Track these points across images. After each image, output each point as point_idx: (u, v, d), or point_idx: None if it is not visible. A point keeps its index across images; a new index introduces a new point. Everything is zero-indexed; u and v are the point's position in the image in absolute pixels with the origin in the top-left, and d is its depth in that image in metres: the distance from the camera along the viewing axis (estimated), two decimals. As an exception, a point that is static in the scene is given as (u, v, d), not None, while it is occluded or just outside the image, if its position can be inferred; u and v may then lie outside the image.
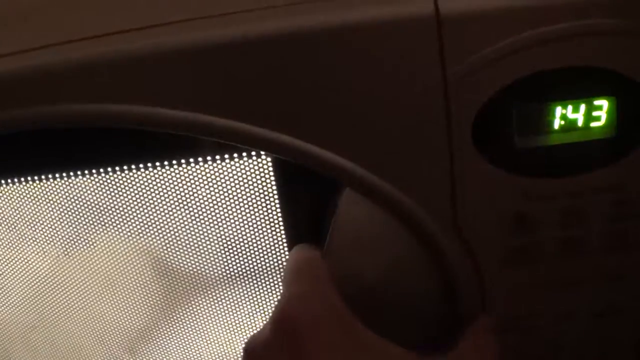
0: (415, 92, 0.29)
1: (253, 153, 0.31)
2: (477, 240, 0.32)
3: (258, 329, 0.31)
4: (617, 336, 0.36)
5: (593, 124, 0.30)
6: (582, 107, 0.30)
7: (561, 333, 0.35)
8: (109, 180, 0.34)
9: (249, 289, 0.36)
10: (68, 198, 0.36)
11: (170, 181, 0.33)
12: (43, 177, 0.35)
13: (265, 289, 0.36)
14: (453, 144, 0.30)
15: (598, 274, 0.34)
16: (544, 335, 0.35)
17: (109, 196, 0.35)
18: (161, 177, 0.33)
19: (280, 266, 0.35)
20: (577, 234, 0.32)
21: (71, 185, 0.35)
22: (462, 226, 0.31)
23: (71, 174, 0.35)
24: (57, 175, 0.35)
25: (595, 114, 0.30)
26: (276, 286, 0.36)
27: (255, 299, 0.36)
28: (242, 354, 0.29)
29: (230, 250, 0.35)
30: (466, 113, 0.30)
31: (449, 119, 0.30)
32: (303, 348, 0.28)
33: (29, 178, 0.35)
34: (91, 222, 0.37)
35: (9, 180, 0.36)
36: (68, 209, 0.37)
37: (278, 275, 0.35)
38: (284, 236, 0.33)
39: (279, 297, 0.30)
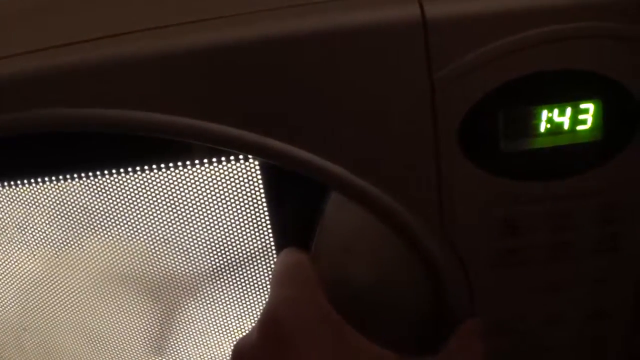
0: (401, 96, 0.29)
1: (241, 157, 0.31)
2: (465, 244, 0.32)
3: (246, 332, 0.31)
4: (606, 339, 0.36)
5: (579, 127, 0.30)
6: (568, 110, 0.30)
7: (551, 336, 0.35)
8: (98, 184, 0.35)
9: (237, 292, 0.36)
10: (59, 201, 0.36)
11: (159, 184, 0.33)
12: (33, 180, 0.35)
13: (253, 291, 0.36)
14: (440, 147, 0.30)
15: (586, 277, 0.34)
16: (533, 338, 0.35)
17: (99, 199, 0.35)
18: (150, 181, 0.33)
19: (269, 269, 0.35)
20: (565, 237, 0.33)
21: (62, 188, 0.35)
22: (450, 230, 0.32)
23: (61, 177, 0.35)
24: (47, 178, 0.35)
25: (581, 117, 0.30)
26: (265, 289, 0.36)
27: (243, 301, 0.36)
28: (230, 356, 0.29)
29: (219, 254, 0.35)
30: (452, 117, 0.30)
31: (435, 123, 0.30)
32: (292, 352, 0.28)
33: (19, 182, 0.36)
34: (82, 225, 0.37)
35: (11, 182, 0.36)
36: (59, 211, 0.37)
37: (266, 278, 0.35)
38: (272, 239, 0.33)
39: (267, 300, 0.30)
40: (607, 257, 0.33)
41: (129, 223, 0.36)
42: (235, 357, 0.29)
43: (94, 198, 0.35)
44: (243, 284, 0.36)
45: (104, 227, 0.37)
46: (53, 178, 0.35)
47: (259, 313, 0.36)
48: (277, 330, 0.28)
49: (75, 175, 0.34)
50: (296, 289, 0.30)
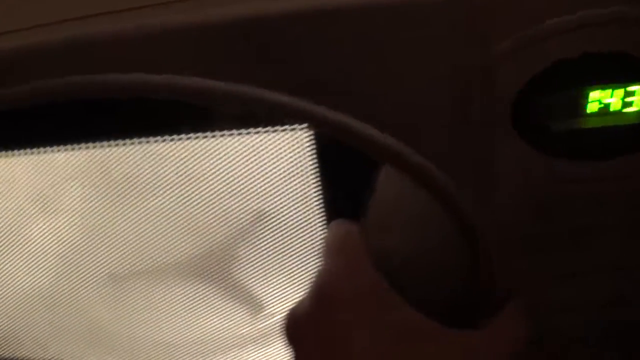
0: (455, 69, 0.29)
1: (295, 126, 0.31)
2: (507, 221, 0.32)
3: (295, 302, 0.31)
4: (630, 326, 0.36)
5: (627, 109, 0.31)
6: (617, 92, 0.31)
7: (577, 321, 0.36)
8: (139, 152, 0.34)
9: (285, 263, 0.36)
10: (102, 168, 0.36)
11: (213, 152, 0.33)
12: (80, 146, 0.35)
13: (301, 262, 0.36)
14: (492, 123, 0.30)
15: (612, 263, 0.34)
16: (559, 323, 0.36)
17: (145, 167, 0.35)
18: (205, 149, 0.33)
19: (317, 240, 0.35)
20: (601, 220, 0.33)
21: (106, 155, 0.35)
22: (496, 206, 0.32)
23: (106, 143, 0.34)
24: (90, 144, 0.35)
25: (629, 99, 0.31)
26: (311, 259, 0.36)
27: (290, 271, 0.36)
28: (283, 324, 0.29)
29: (268, 224, 0.35)
30: (506, 92, 0.30)
31: (488, 99, 0.30)
32: (343, 321, 0.28)
33: (58, 147, 0.35)
34: (120, 195, 0.37)
35: (45, 148, 0.35)
36: (98, 181, 0.37)
37: (315, 249, 0.35)
38: (322, 210, 0.34)
39: (316, 270, 0.31)
40: (636, 242, 0.34)
41: (172, 193, 0.35)
42: (288, 326, 0.29)
43: (138, 166, 0.35)
44: (291, 255, 0.36)
45: (143, 198, 0.37)
46: (98, 144, 0.34)
47: (306, 283, 0.36)
48: (330, 300, 0.29)
49: (123, 141, 0.34)
50: (348, 260, 0.30)
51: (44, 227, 0.39)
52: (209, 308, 0.39)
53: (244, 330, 0.39)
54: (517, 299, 0.33)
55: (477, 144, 0.31)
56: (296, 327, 0.29)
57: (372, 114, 0.30)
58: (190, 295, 0.39)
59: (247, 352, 0.39)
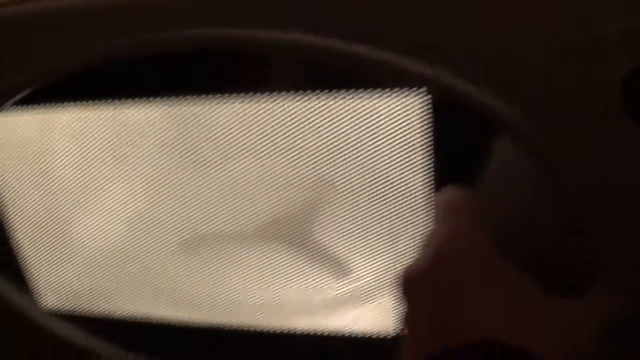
0: (573, 43, 0.30)
1: (414, 90, 0.32)
2: (601, 200, 0.33)
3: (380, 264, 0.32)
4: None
5: None
6: None
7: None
8: (233, 110, 0.34)
9: (379, 226, 0.37)
10: (180, 127, 0.36)
11: (329, 112, 0.33)
12: (157, 101, 0.35)
13: (397, 226, 0.36)
14: (602, 104, 0.32)
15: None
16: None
17: (237, 127, 0.35)
18: (321, 108, 0.33)
19: (418, 206, 0.36)
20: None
21: (185, 113, 0.35)
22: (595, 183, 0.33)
23: (189, 100, 0.35)
24: (172, 100, 0.35)
25: None
26: (409, 224, 0.36)
27: (383, 235, 0.37)
28: (399, 281, 0.30)
29: (377, 187, 0.35)
30: (614, 74, 0.31)
31: (601, 78, 0.31)
32: (460, 281, 0.29)
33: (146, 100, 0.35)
34: (201, 154, 0.37)
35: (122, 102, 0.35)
36: (178, 138, 0.36)
37: (414, 214, 0.36)
38: (427, 176, 0.34)
39: (430, 231, 0.31)
40: None
41: (260, 154, 0.36)
42: (405, 281, 0.30)
43: (225, 126, 0.35)
44: (387, 219, 0.36)
45: (226, 158, 0.37)
46: (175, 101, 0.34)
47: (411, 245, 0.37)
48: (448, 261, 0.30)
49: (200, 100, 0.34)
50: (465, 223, 0.31)
51: (120, 184, 0.39)
52: (293, 271, 0.39)
53: (330, 294, 0.39)
54: (607, 278, 0.34)
55: (590, 123, 0.32)
56: (412, 284, 0.30)
57: (493, 80, 0.31)
58: (272, 258, 0.39)
59: (333, 315, 0.39)
